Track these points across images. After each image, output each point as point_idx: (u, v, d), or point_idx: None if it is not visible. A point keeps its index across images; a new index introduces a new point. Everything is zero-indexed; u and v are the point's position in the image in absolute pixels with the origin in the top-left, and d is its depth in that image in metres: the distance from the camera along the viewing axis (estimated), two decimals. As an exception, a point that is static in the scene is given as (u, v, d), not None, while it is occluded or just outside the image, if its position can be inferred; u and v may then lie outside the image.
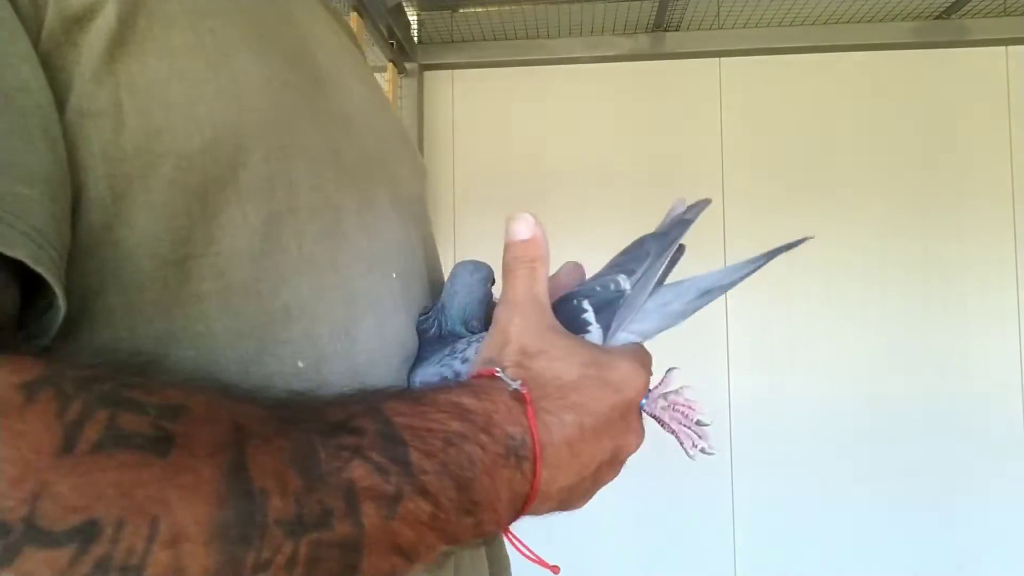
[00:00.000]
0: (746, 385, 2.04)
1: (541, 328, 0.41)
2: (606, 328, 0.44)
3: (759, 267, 0.49)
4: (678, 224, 0.49)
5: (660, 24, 2.02)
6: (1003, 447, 1.98)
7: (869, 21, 2.01)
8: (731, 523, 2.03)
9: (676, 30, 2.07)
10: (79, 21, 0.31)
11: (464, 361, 0.42)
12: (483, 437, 0.34)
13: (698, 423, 0.46)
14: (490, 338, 0.42)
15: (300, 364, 0.36)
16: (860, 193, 2.04)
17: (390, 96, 1.97)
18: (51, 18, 0.31)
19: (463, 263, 0.48)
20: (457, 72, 2.15)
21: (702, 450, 0.46)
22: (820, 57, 2.06)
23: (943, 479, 1.99)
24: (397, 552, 0.30)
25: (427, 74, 2.14)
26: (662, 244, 0.47)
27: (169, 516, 0.25)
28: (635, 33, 2.08)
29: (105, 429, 0.25)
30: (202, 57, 0.35)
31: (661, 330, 0.50)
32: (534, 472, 0.36)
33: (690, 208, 0.50)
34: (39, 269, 0.27)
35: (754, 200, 2.06)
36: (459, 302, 0.46)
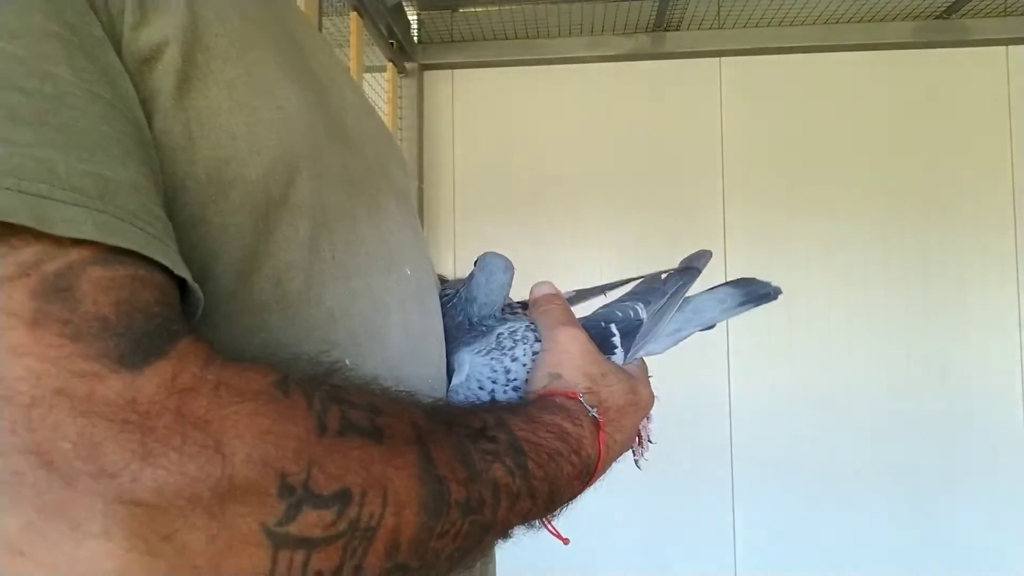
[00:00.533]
0: (746, 385, 2.04)
1: (592, 354, 0.51)
2: (626, 350, 0.54)
3: (758, 305, 0.60)
4: (690, 272, 0.57)
5: (660, 24, 2.02)
6: (1003, 447, 1.98)
7: (869, 21, 2.01)
8: (731, 523, 2.03)
9: (676, 30, 2.07)
10: (148, 61, 0.33)
11: (514, 360, 0.49)
12: (573, 457, 0.44)
13: (649, 440, 0.57)
14: (549, 354, 0.50)
15: (347, 362, 0.40)
16: (860, 193, 2.04)
17: (390, 96, 1.97)
18: (126, 58, 0.32)
19: (495, 259, 0.53)
20: (457, 72, 2.15)
21: (642, 458, 0.57)
22: (820, 57, 2.06)
23: (943, 479, 1.99)
24: (502, 533, 0.40)
25: (427, 74, 2.14)
26: (677, 285, 0.56)
27: (392, 489, 0.31)
28: (635, 33, 2.08)
29: (340, 419, 0.31)
30: (253, 87, 0.37)
31: (667, 349, 0.58)
32: (589, 483, 0.47)
33: (700, 258, 0.59)
34: (194, 286, 0.31)
35: (754, 200, 2.06)
36: (491, 298, 0.52)
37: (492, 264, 0.52)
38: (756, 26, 2.03)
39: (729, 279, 0.62)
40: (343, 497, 0.29)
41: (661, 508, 2.01)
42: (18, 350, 0.24)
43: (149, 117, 0.33)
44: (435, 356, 0.51)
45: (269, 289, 0.37)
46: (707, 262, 0.58)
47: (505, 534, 0.40)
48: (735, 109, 2.08)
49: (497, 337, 0.50)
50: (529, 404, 0.46)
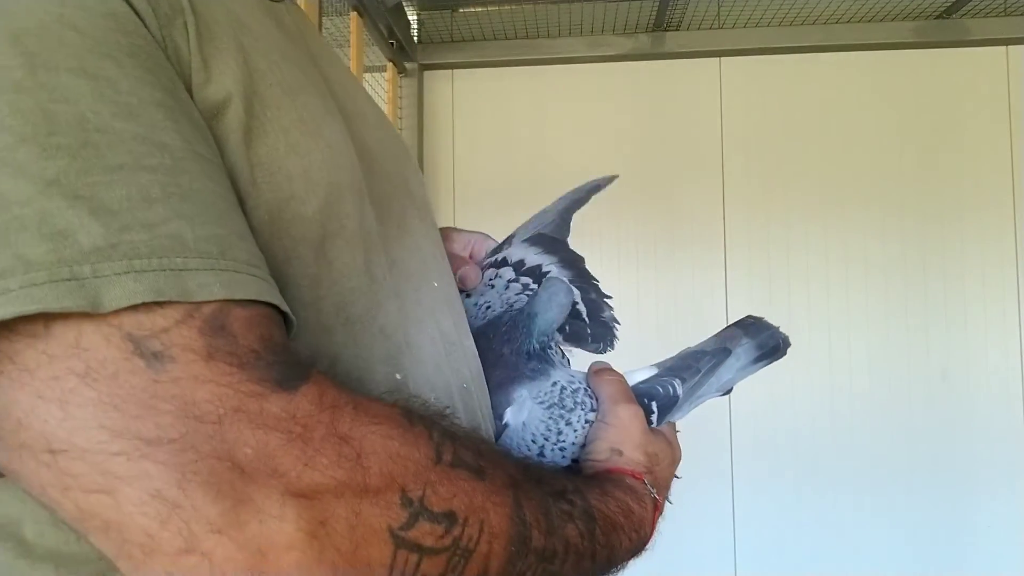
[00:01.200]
0: (746, 385, 2.03)
1: (650, 434, 0.57)
2: (659, 423, 0.60)
3: (771, 363, 0.66)
4: (723, 352, 0.63)
5: (660, 24, 2.02)
6: (1003, 447, 1.98)
7: (869, 21, 2.01)
8: (731, 523, 2.03)
9: (676, 30, 2.07)
10: (216, 116, 0.37)
11: (568, 423, 0.55)
12: (633, 534, 0.50)
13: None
14: (613, 428, 0.55)
15: (398, 376, 0.45)
16: (860, 193, 2.04)
17: (390, 96, 1.97)
18: (200, 111, 0.36)
19: (560, 284, 0.58)
20: (457, 72, 2.15)
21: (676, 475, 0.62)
22: (820, 57, 2.06)
23: (943, 480, 1.99)
24: None
25: (427, 74, 2.14)
26: (711, 364, 0.61)
27: (489, 520, 0.36)
28: (635, 33, 2.07)
29: (453, 453, 0.36)
30: (304, 130, 0.40)
31: (711, 395, 0.64)
32: (637, 556, 0.53)
33: (732, 339, 0.64)
34: (292, 318, 0.36)
35: (754, 200, 2.06)
36: (550, 320, 0.57)
37: (556, 286, 0.58)
38: (756, 26, 2.03)
39: (737, 319, 0.67)
40: (450, 517, 0.34)
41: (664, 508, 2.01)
42: (200, 378, 0.29)
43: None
44: (470, 359, 0.55)
45: (334, 313, 0.42)
46: (738, 344, 0.63)
47: None
48: (735, 109, 2.08)
49: (560, 391, 0.56)
50: (603, 478, 0.53)
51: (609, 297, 0.65)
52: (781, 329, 0.68)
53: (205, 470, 0.28)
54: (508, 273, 0.63)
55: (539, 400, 0.55)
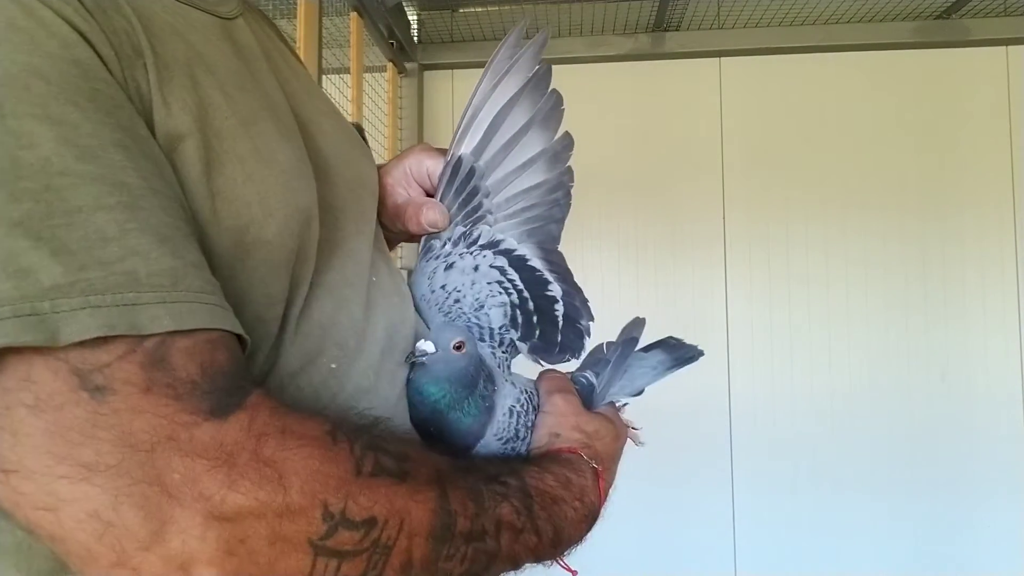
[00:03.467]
0: (746, 385, 2.04)
1: (584, 414, 0.61)
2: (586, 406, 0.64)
3: (684, 367, 0.71)
4: (629, 342, 0.66)
5: (660, 24, 2.02)
6: (1003, 447, 1.98)
7: (869, 21, 2.01)
8: (731, 523, 2.03)
9: (676, 30, 2.07)
10: (174, 149, 0.40)
11: (521, 440, 0.59)
12: (576, 503, 0.53)
13: (635, 430, 0.67)
14: (549, 416, 0.60)
15: (332, 366, 0.48)
16: (860, 193, 2.04)
17: (390, 96, 1.97)
18: (159, 141, 0.39)
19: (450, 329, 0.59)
20: (457, 72, 2.15)
21: (639, 442, 0.67)
22: (820, 57, 2.06)
23: (943, 479, 1.99)
24: (511, 563, 0.47)
25: (427, 74, 2.14)
26: (616, 354, 0.65)
27: (409, 519, 0.39)
28: (635, 33, 2.08)
29: (375, 463, 0.39)
30: (259, 158, 0.44)
31: (623, 396, 0.67)
32: (592, 524, 0.55)
33: (636, 327, 0.67)
34: (247, 338, 0.39)
35: (754, 200, 2.06)
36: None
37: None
38: (756, 26, 2.03)
39: (659, 339, 0.70)
40: (370, 523, 0.38)
41: (661, 507, 2.01)
42: (138, 409, 0.33)
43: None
44: (410, 342, 0.59)
45: (292, 319, 0.46)
46: (642, 331, 0.66)
47: (515, 564, 0.48)
48: (735, 109, 2.08)
49: (516, 420, 0.59)
50: (541, 458, 0.56)
51: (591, 318, 0.64)
52: (698, 347, 0.71)
53: (137, 493, 0.32)
54: (483, 259, 0.61)
55: (497, 436, 0.58)
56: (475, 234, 0.61)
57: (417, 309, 0.62)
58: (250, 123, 0.44)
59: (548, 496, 0.51)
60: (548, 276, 0.63)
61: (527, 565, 0.50)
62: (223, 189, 0.41)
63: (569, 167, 0.62)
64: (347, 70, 1.63)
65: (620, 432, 0.63)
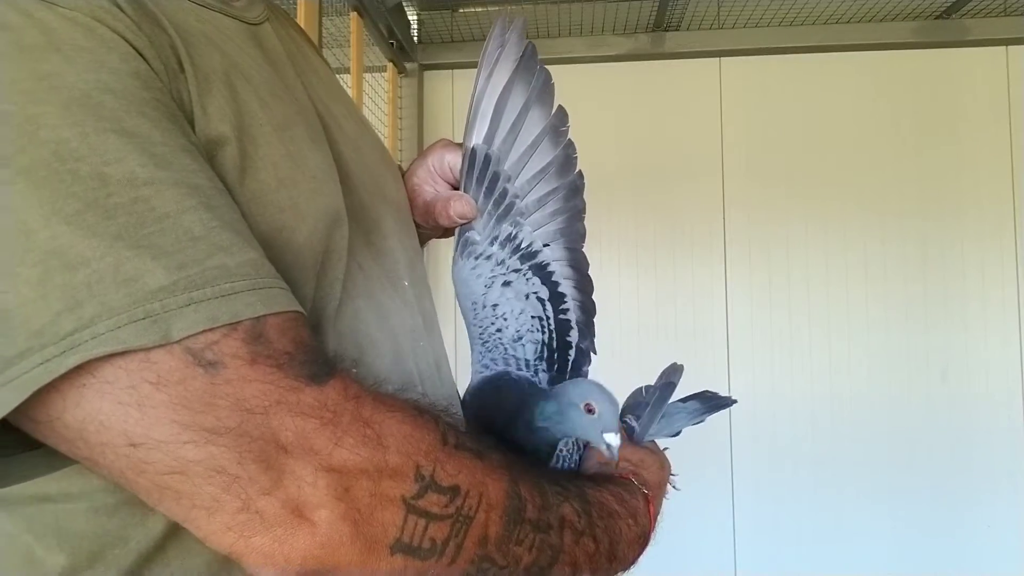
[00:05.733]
0: (746, 385, 2.04)
1: (631, 446, 0.64)
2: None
3: (718, 412, 0.71)
4: (668, 386, 0.67)
5: (660, 24, 2.02)
6: (1003, 447, 1.98)
7: (869, 21, 2.01)
8: (731, 523, 2.03)
9: (676, 30, 2.07)
10: (214, 156, 0.42)
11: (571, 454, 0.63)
12: (630, 520, 0.55)
13: (675, 487, 0.69)
14: (594, 451, 0.61)
15: (353, 371, 0.50)
16: (860, 193, 2.04)
17: (390, 96, 1.97)
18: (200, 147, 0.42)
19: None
20: (457, 72, 2.15)
21: (675, 486, 0.69)
22: (820, 57, 2.06)
23: (943, 479, 1.99)
24: (571, 565, 0.48)
25: (427, 74, 2.14)
26: (654, 397, 0.66)
27: (487, 493, 0.43)
28: (635, 33, 2.08)
29: (456, 438, 0.43)
30: (292, 163, 0.46)
31: (661, 436, 0.69)
32: (645, 547, 0.58)
33: (674, 372, 0.68)
34: (304, 312, 0.41)
35: (754, 200, 2.06)
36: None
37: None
38: (756, 26, 2.03)
39: (696, 392, 0.72)
40: (455, 490, 0.41)
41: (661, 508, 2.01)
42: (247, 378, 0.36)
43: None
44: (437, 348, 0.61)
45: (326, 321, 0.48)
46: (680, 376, 0.67)
47: (574, 570, 0.49)
48: (735, 109, 2.08)
49: (560, 463, 0.62)
50: (596, 476, 0.58)
51: (589, 363, 0.67)
52: (732, 397, 0.73)
53: (257, 449, 0.36)
54: (532, 286, 0.65)
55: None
56: (519, 237, 0.64)
57: (458, 296, 0.65)
58: (284, 129, 0.46)
59: (605, 508, 0.53)
60: (571, 316, 0.66)
61: None
62: (257, 194, 0.43)
63: (570, 140, 0.64)
64: (347, 70, 1.63)
65: (664, 464, 0.65)
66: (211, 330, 0.36)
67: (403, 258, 0.59)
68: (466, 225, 0.64)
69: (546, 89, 0.63)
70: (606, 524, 0.52)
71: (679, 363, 0.69)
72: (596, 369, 0.67)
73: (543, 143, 0.63)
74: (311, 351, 0.39)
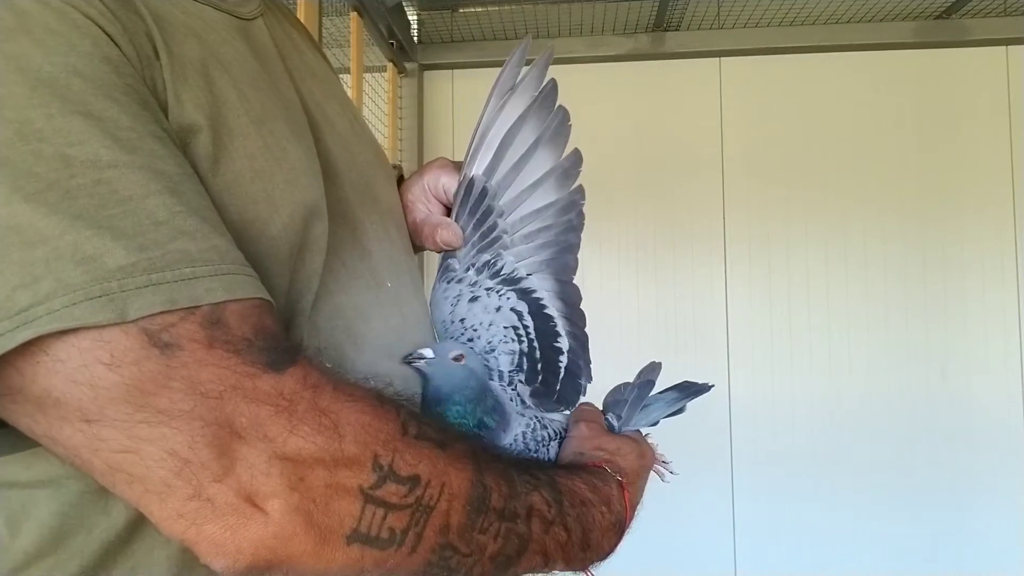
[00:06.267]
0: (746, 385, 2.04)
1: (606, 434, 0.63)
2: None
3: (695, 398, 0.70)
4: (647, 384, 0.68)
5: (660, 24, 2.02)
6: (1003, 447, 1.98)
7: (869, 21, 2.01)
8: (731, 523, 2.03)
9: (676, 30, 2.07)
10: (186, 141, 0.42)
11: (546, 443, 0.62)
12: (603, 508, 0.54)
13: (672, 472, 0.69)
14: (572, 439, 0.62)
15: (328, 366, 0.49)
16: (860, 193, 2.04)
17: (390, 96, 1.97)
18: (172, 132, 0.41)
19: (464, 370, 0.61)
20: (457, 72, 2.15)
21: (671, 471, 0.69)
22: (820, 57, 2.06)
23: (943, 479, 1.99)
24: (542, 554, 0.48)
25: (427, 74, 2.14)
26: (633, 395, 0.67)
27: (450, 483, 0.42)
28: (635, 33, 2.08)
29: (418, 428, 0.43)
30: (269, 155, 0.46)
31: (641, 426, 0.69)
32: (621, 536, 0.56)
33: (653, 371, 0.69)
34: (271, 300, 0.41)
35: (754, 200, 2.06)
36: (465, 404, 0.61)
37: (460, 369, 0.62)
38: (756, 26, 2.03)
39: (674, 384, 0.70)
40: (414, 480, 0.41)
41: (661, 508, 2.01)
42: (204, 362, 0.36)
43: None
44: (395, 359, 0.60)
45: (300, 314, 0.47)
46: (658, 374, 0.68)
47: (545, 558, 0.49)
48: (735, 109, 2.08)
49: (524, 441, 0.61)
50: (567, 465, 0.58)
51: (590, 379, 0.66)
52: (708, 383, 0.71)
53: (210, 434, 0.36)
54: (506, 300, 0.63)
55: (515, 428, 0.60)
56: (499, 264, 0.63)
57: (432, 320, 0.64)
58: (262, 121, 0.46)
59: (577, 496, 0.52)
60: (560, 330, 0.65)
61: (557, 571, 0.51)
62: (231, 184, 0.43)
63: (580, 185, 0.63)
64: (347, 70, 1.63)
65: (644, 451, 0.64)
66: (169, 312, 0.35)
67: (387, 258, 0.59)
68: (449, 251, 0.63)
69: (561, 131, 0.61)
70: (578, 513, 0.51)
71: (657, 361, 0.69)
72: (598, 368, 0.66)
73: (546, 184, 0.62)
74: (271, 338, 0.39)
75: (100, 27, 0.39)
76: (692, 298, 2.06)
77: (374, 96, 1.87)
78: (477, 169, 0.61)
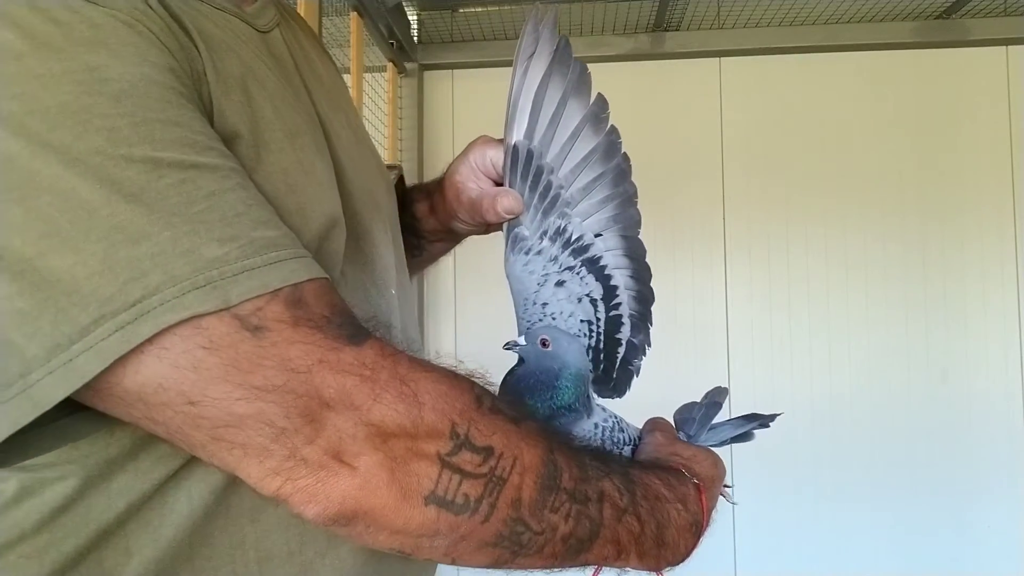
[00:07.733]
0: (746, 385, 2.04)
1: (681, 443, 0.65)
2: None
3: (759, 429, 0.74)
4: (715, 405, 0.72)
5: (660, 24, 2.02)
6: (1003, 447, 1.98)
7: (869, 21, 2.01)
8: (731, 523, 2.03)
9: (676, 30, 2.07)
10: (229, 147, 0.44)
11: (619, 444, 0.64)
12: (679, 506, 0.55)
13: (731, 502, 0.70)
14: (647, 445, 0.63)
15: (387, 337, 0.52)
16: (860, 193, 2.04)
17: (390, 96, 1.97)
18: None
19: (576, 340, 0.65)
20: (457, 72, 2.15)
21: (732, 501, 0.70)
22: (820, 57, 2.06)
23: (943, 480, 1.99)
24: (614, 543, 0.49)
25: (427, 74, 2.14)
26: (701, 413, 0.70)
27: (522, 458, 0.44)
28: (635, 33, 2.08)
29: (491, 403, 0.45)
30: (300, 170, 0.48)
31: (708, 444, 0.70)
32: (699, 538, 0.57)
33: (720, 394, 0.72)
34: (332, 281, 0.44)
35: (754, 200, 2.06)
36: (581, 373, 0.63)
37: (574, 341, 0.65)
38: (756, 26, 2.03)
39: (744, 414, 0.75)
40: (488, 451, 0.43)
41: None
42: (291, 340, 0.39)
43: None
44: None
45: None
46: (725, 397, 0.71)
47: (618, 548, 0.49)
48: (735, 109, 2.08)
49: (601, 433, 0.63)
50: (643, 462, 0.59)
51: (644, 353, 0.69)
52: (778, 413, 0.75)
53: (302, 405, 0.39)
54: (584, 287, 0.66)
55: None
56: (568, 230, 0.65)
57: (511, 291, 0.66)
58: (294, 136, 0.49)
59: (651, 490, 0.53)
60: (624, 311, 0.68)
61: (630, 567, 0.51)
62: (267, 196, 0.45)
63: (612, 125, 0.65)
64: (347, 70, 1.63)
65: (718, 462, 0.64)
66: (259, 296, 0.39)
67: (391, 265, 0.62)
68: (514, 221, 0.64)
69: (583, 79, 0.64)
70: (651, 506, 0.52)
71: (724, 386, 0.73)
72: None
73: (584, 132, 0.64)
74: (345, 314, 0.42)
75: (162, 41, 0.42)
76: (692, 297, 2.06)
77: (374, 96, 1.87)
78: (518, 135, 0.63)
